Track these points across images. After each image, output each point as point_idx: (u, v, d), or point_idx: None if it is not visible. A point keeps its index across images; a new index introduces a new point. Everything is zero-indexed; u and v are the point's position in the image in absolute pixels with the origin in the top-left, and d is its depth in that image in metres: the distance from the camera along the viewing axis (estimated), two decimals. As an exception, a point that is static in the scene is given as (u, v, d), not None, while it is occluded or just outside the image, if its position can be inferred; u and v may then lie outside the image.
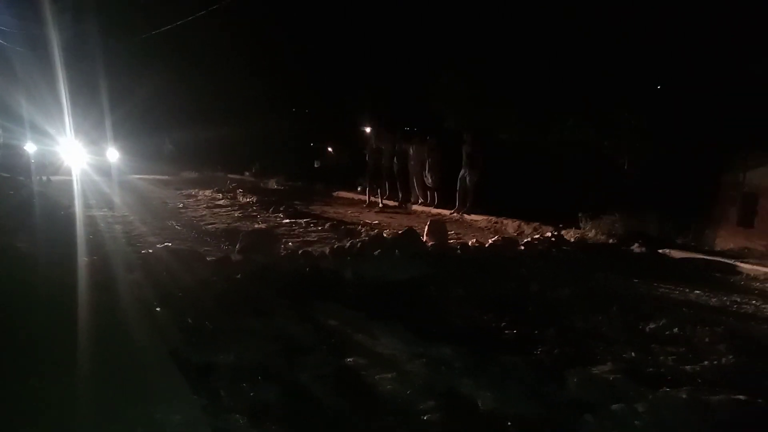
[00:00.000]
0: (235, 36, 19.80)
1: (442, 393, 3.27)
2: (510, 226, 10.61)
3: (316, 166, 20.29)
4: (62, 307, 4.12)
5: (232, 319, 4.39)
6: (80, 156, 17.19)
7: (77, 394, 3.01)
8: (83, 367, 3.28)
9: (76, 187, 13.21)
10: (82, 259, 5.69)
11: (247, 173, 20.98)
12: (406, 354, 3.82)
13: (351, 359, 3.72)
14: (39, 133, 16.98)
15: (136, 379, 3.21)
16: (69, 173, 15.91)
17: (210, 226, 9.55)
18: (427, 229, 8.28)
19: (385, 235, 8.30)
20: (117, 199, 12.26)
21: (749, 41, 8.45)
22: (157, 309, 4.52)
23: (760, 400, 3.30)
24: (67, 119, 16.17)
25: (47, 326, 3.81)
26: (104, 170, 16.57)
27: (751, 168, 8.75)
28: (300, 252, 6.83)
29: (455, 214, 12.05)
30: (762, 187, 8.58)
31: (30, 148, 16.92)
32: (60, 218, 8.97)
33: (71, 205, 10.36)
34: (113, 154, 18.00)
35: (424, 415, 3.02)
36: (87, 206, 10.76)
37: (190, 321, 4.30)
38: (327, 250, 6.93)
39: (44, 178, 15.60)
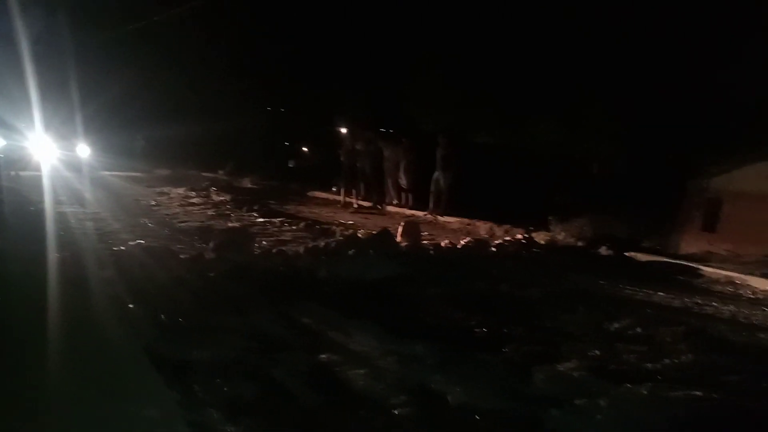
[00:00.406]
0: (211, 32, 19.61)
1: (414, 388, 3.36)
2: (482, 227, 10.80)
3: (290, 165, 20.23)
4: (33, 304, 4.09)
5: (206, 317, 4.40)
6: (50, 151, 16.82)
7: (50, 390, 3.00)
8: (56, 364, 3.26)
9: (46, 183, 12.94)
10: (53, 255, 5.62)
11: (220, 171, 20.77)
12: (379, 351, 3.89)
13: (325, 356, 3.77)
14: (7, 128, 16.59)
15: (110, 374, 3.21)
16: (39, 169, 15.57)
17: (183, 224, 9.48)
18: (401, 230, 8.37)
19: (359, 235, 8.38)
20: (88, 196, 12.06)
21: (716, 50, 8.73)
22: (131, 306, 4.50)
23: (716, 396, 3.46)
24: (37, 114, 15.83)
25: (18, 324, 3.79)
26: (75, 166, 16.22)
27: (715, 174, 9.06)
28: (274, 251, 6.85)
29: (429, 216, 12.18)
30: (725, 193, 8.89)
31: (-2, 143, 16.54)
32: (30, 214, 8.84)
33: (41, 201, 10.17)
34: (84, 150, 17.66)
35: (396, 409, 3.10)
36: (57, 202, 10.54)
37: (164, 318, 4.31)
38: (302, 249, 6.96)
39: (13, 173, 15.26)
